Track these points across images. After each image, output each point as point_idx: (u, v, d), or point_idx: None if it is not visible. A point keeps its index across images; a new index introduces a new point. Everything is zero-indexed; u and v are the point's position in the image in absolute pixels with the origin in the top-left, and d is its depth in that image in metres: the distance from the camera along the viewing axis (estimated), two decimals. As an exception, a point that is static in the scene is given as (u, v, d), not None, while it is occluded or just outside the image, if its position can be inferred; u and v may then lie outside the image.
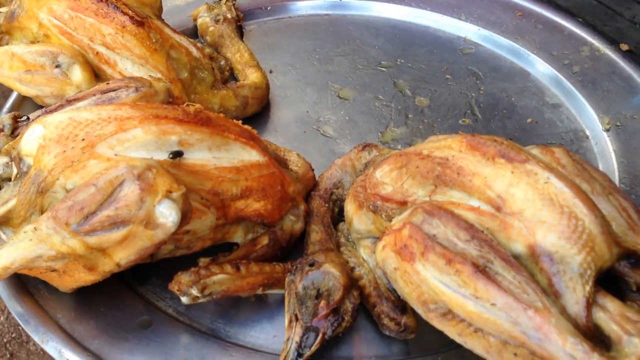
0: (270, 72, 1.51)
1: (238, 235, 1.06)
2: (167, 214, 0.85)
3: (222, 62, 1.44)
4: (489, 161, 0.87)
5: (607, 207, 0.86)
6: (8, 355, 2.29)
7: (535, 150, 0.92)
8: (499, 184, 0.84)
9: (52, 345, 0.92)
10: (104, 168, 0.86)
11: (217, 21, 1.51)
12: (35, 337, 0.94)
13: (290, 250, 1.10)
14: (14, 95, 1.33)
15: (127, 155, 0.90)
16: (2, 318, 2.40)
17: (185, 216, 0.88)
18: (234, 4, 1.59)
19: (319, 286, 0.94)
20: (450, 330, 0.83)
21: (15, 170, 0.92)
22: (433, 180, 0.92)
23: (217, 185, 0.96)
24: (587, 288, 0.75)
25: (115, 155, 0.89)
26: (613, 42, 1.50)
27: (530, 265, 0.79)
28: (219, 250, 1.04)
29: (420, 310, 0.86)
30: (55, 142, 0.89)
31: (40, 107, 1.24)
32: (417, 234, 0.84)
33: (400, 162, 0.98)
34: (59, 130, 0.89)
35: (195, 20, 1.57)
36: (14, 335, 2.36)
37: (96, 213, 0.84)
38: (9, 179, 0.93)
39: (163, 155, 0.92)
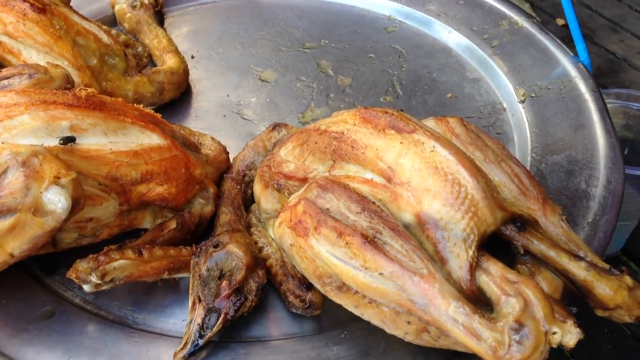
0: (192, 57, 1.49)
1: (146, 221, 1.05)
2: (55, 200, 0.84)
3: (140, 49, 1.42)
4: (380, 133, 0.87)
5: (499, 173, 0.87)
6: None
7: (430, 122, 0.93)
8: (389, 155, 0.84)
9: (-55, 341, 0.90)
10: (-11, 156, 0.84)
11: (134, 7, 1.49)
12: None
13: (202, 234, 1.09)
14: None
15: (15, 142, 0.88)
16: None
17: (78, 202, 0.86)
18: (153, -11, 1.56)
19: (222, 267, 0.93)
20: (347, 303, 0.83)
21: None
22: (331, 155, 0.92)
23: (115, 170, 0.94)
24: (470, 252, 0.76)
25: (2, 143, 0.87)
26: (530, 16, 1.51)
27: (418, 234, 0.80)
28: (128, 237, 1.03)
29: (317, 285, 0.86)
30: (-64, 132, 0.86)
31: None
32: (310, 208, 0.84)
33: (302, 139, 0.98)
34: (-60, 120, 0.87)
35: (113, 7, 1.54)
36: None
37: (-20, 202, 0.82)
38: None
39: (54, 142, 0.90)
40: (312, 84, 1.43)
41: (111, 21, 1.55)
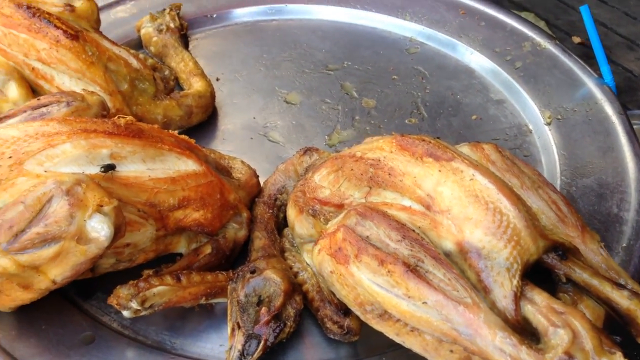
0: (217, 79, 1.50)
1: (181, 246, 1.06)
2: (99, 228, 0.85)
3: (167, 72, 1.44)
4: (418, 161, 0.88)
5: (537, 200, 0.87)
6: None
7: (465, 148, 0.93)
8: (428, 182, 0.85)
9: (-11, 367, 0.91)
10: (33, 185, 0.85)
11: (160, 31, 1.50)
12: (-27, 360, 0.92)
13: (236, 258, 1.10)
14: (-48, 115, 1.30)
15: (58, 170, 0.89)
16: None
17: (120, 229, 0.87)
18: (177, 13, 1.58)
19: (260, 293, 0.94)
20: (389, 331, 0.84)
21: (-57, 192, 0.90)
22: (367, 181, 0.93)
23: (153, 197, 0.96)
24: (515, 282, 0.76)
25: (45, 171, 0.88)
26: (553, 37, 1.52)
27: (460, 262, 0.80)
28: (163, 262, 1.04)
29: (358, 312, 0.87)
30: (-19, 162, 0.87)
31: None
32: (350, 236, 0.85)
33: (337, 165, 0.99)
34: (-16, 149, 0.88)
35: (139, 31, 1.55)
36: None
37: (25, 231, 0.83)
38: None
39: (94, 170, 0.91)
40: (337, 106, 1.44)
41: (136, 44, 1.56)
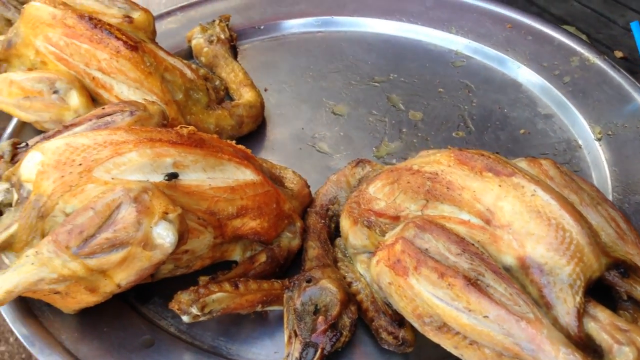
0: (265, 90, 1.53)
1: (236, 254, 1.08)
2: (164, 235, 0.87)
3: (217, 82, 1.47)
4: (477, 175, 0.89)
5: (596, 217, 0.88)
6: (17, 376, 2.30)
7: (523, 163, 0.94)
8: (488, 197, 0.86)
9: (56, 367, 0.94)
10: (101, 192, 0.88)
11: (211, 42, 1.54)
12: (41, 359, 0.95)
13: (289, 266, 1.11)
14: (14, 121, 1.35)
15: (124, 178, 0.92)
16: (12, 339, 2.42)
17: (183, 236, 0.90)
18: (227, 25, 1.61)
19: (316, 302, 0.96)
20: (447, 343, 0.84)
21: (15, 196, 0.94)
22: (424, 194, 0.94)
23: (213, 205, 0.98)
24: (578, 298, 0.77)
25: (112, 178, 0.91)
26: (602, 53, 1.51)
27: (521, 277, 0.81)
28: (218, 268, 1.06)
29: (416, 324, 0.88)
30: (53, 168, 0.91)
31: (40, 132, 1.26)
32: (409, 248, 0.86)
33: (392, 178, 1.00)
34: (57, 156, 0.91)
35: (189, 41, 1.59)
36: (23, 356, 2.37)
37: (95, 236, 0.86)
38: (10, 205, 0.95)
39: (158, 178, 0.94)
40: (384, 118, 1.46)
41: (186, 55, 1.60)
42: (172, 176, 0.95)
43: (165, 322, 1.05)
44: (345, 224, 1.06)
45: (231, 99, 1.46)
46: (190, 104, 1.31)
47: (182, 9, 1.71)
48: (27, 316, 1.00)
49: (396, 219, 0.96)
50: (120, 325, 1.02)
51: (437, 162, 0.94)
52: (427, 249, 0.85)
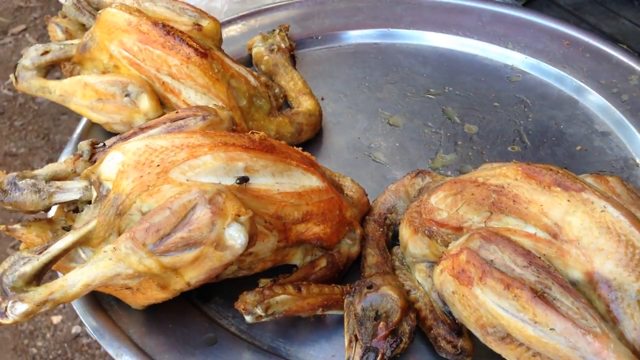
0: (322, 99, 1.56)
1: (297, 258, 1.11)
2: (236, 237, 0.90)
3: (277, 90, 1.50)
4: (545, 189, 0.90)
5: (663, 235, 0.88)
6: (54, 372, 2.37)
7: (589, 179, 0.95)
8: (556, 211, 0.87)
9: (126, 359, 0.98)
10: (178, 192, 0.92)
11: (271, 50, 1.58)
12: (110, 351, 0.99)
13: (346, 273, 1.14)
14: (83, 122, 1.41)
15: (198, 180, 0.96)
16: (48, 335, 2.49)
17: (252, 238, 0.93)
18: (286, 34, 1.65)
19: (377, 308, 0.98)
20: (509, 354, 0.86)
21: (94, 194, 0.98)
22: (488, 207, 0.95)
23: (280, 210, 1.01)
24: (646, 315, 0.77)
25: (187, 180, 0.95)
26: (662, 71, 1.51)
27: (588, 292, 0.82)
28: (278, 271, 1.09)
29: (478, 334, 0.89)
30: (132, 168, 0.95)
31: (109, 133, 1.32)
32: (474, 259, 0.87)
33: (455, 189, 1.02)
34: (136, 156, 0.96)
35: (250, 49, 1.63)
36: (59, 352, 2.44)
37: (171, 234, 0.90)
38: (89, 202, 1.00)
39: (230, 181, 0.98)
40: (439, 130, 1.48)
41: (246, 62, 1.64)
42: (244, 180, 0.98)
43: (226, 321, 1.08)
44: (405, 232, 1.08)
45: (289, 107, 1.50)
46: (253, 110, 1.35)
47: (242, 17, 1.76)
48: (96, 309, 1.05)
49: (459, 229, 0.98)
50: (184, 322, 1.05)
51: (503, 175, 0.95)
52: (492, 260, 0.86)
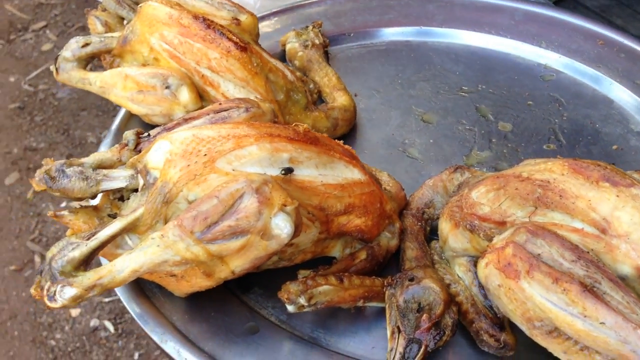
0: (355, 95, 1.57)
1: (336, 250, 1.12)
2: (282, 226, 0.91)
3: (311, 85, 1.51)
4: (593, 185, 0.90)
5: None
6: (72, 364, 2.39)
7: (636, 175, 0.95)
8: (604, 207, 0.87)
9: (170, 345, 0.99)
10: (224, 182, 0.93)
11: (305, 46, 1.59)
12: (155, 337, 1.00)
13: (384, 266, 1.14)
14: (121, 114, 1.42)
15: (243, 170, 0.96)
16: (67, 328, 2.52)
17: (297, 228, 0.94)
18: (319, 31, 1.66)
19: (419, 300, 0.98)
20: (556, 348, 0.86)
21: (141, 182, 0.99)
22: (533, 201, 0.96)
23: (324, 201, 1.02)
24: (698, 310, 0.77)
25: (233, 170, 0.96)
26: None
27: (637, 287, 0.82)
28: (316, 263, 1.10)
29: (524, 327, 0.89)
30: (180, 157, 0.96)
31: (147, 124, 1.33)
32: (521, 252, 0.88)
33: (498, 184, 1.02)
34: (184, 146, 0.97)
35: (283, 45, 1.64)
36: (77, 345, 2.47)
37: (218, 223, 0.90)
38: (134, 190, 1.01)
39: (275, 171, 0.98)
40: (473, 128, 1.48)
41: (279, 58, 1.65)
42: (288, 171, 0.99)
43: (266, 311, 1.09)
44: (445, 227, 1.09)
45: (322, 102, 1.51)
46: (290, 104, 1.36)
47: (275, 14, 1.77)
48: (140, 296, 1.06)
49: (502, 224, 0.98)
50: (225, 311, 1.06)
51: (548, 170, 0.95)
52: (539, 254, 0.86)
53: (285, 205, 0.92)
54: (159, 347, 1.01)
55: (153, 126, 1.30)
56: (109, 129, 1.40)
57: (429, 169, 1.37)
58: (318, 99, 1.52)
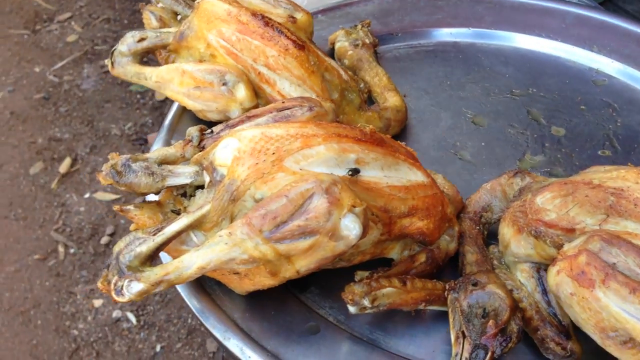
0: (405, 96, 1.56)
1: (395, 252, 1.11)
2: (351, 227, 0.91)
3: (362, 85, 1.50)
4: (671, 194, 0.88)
5: None
6: (94, 354, 2.40)
7: None
8: (682, 217, 0.86)
9: (233, 342, 0.99)
10: (293, 181, 0.93)
11: (355, 46, 1.58)
12: (216, 334, 1.00)
13: (441, 270, 1.14)
14: (174, 109, 1.43)
15: (310, 170, 0.96)
16: (89, 318, 2.53)
17: (365, 230, 0.93)
18: (368, 30, 1.65)
19: (484, 305, 0.97)
20: (630, 359, 0.84)
21: (207, 179, 0.99)
22: (605, 209, 0.94)
23: (388, 203, 1.01)
24: None
25: (300, 169, 0.96)
26: None
27: None
28: (374, 265, 1.09)
29: (596, 337, 0.88)
30: (248, 155, 0.96)
31: (201, 121, 1.33)
32: (595, 261, 0.86)
33: (566, 190, 1.01)
34: (252, 143, 0.97)
35: (331, 44, 1.64)
36: (100, 335, 2.48)
37: (287, 222, 0.90)
38: (199, 187, 1.01)
39: (341, 172, 0.98)
40: (525, 131, 1.46)
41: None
42: (355, 171, 0.98)
43: (324, 311, 1.08)
44: (507, 232, 1.08)
45: (372, 102, 1.50)
46: (344, 104, 1.35)
47: (323, 12, 1.76)
48: (200, 292, 1.06)
49: (570, 231, 0.97)
50: (285, 310, 1.06)
51: (622, 178, 0.94)
52: (614, 264, 0.85)
53: (354, 207, 0.91)
54: (220, 344, 1.01)
55: (205, 121, 1.31)
56: (162, 125, 1.40)
57: (481, 172, 1.36)
58: (368, 98, 1.52)
